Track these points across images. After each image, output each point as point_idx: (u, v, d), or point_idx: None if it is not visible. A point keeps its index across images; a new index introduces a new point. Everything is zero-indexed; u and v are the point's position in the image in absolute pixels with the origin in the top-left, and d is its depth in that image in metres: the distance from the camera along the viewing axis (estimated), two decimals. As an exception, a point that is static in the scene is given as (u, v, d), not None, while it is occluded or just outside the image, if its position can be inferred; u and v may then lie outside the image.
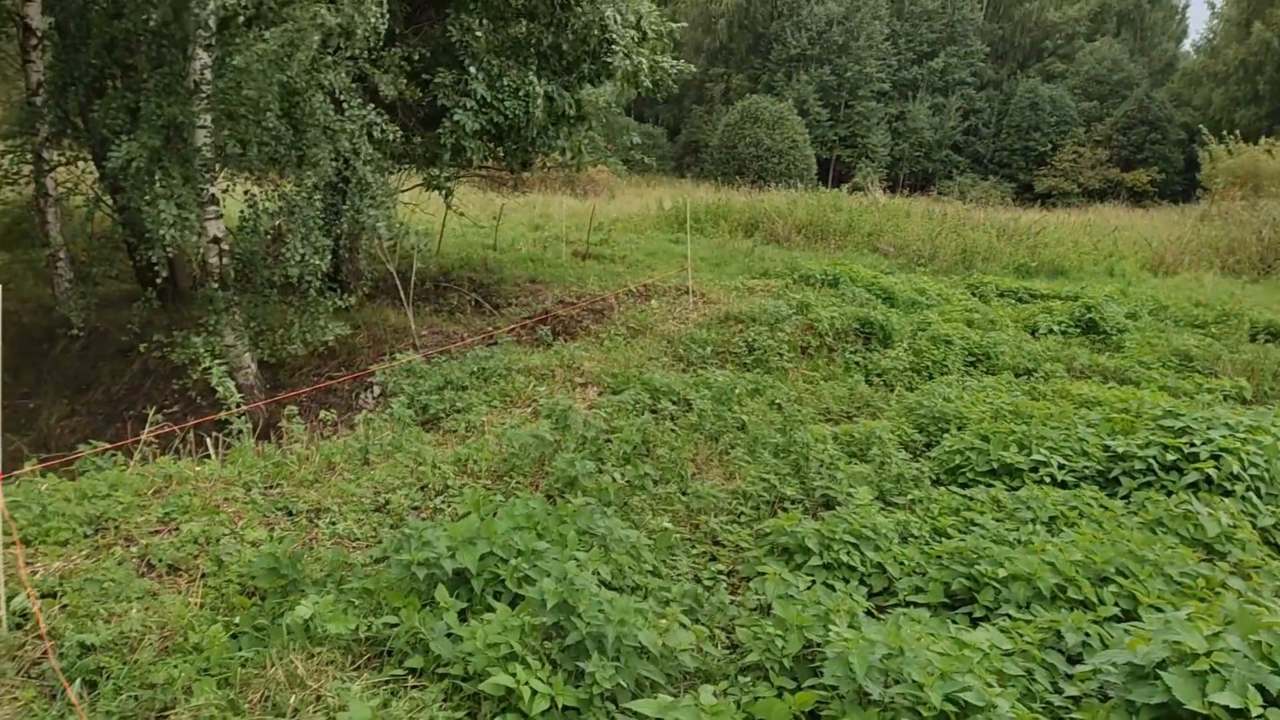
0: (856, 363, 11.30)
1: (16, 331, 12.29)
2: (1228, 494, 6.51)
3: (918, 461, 7.84)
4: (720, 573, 5.63)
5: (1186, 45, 65.95)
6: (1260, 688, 3.20)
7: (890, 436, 8.04)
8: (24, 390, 11.68)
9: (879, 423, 8.53)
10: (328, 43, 9.25)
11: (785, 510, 6.53)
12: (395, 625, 4.11)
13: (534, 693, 3.56)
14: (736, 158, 46.66)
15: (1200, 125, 37.31)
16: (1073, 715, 3.81)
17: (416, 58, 12.08)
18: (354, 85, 9.83)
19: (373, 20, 9.36)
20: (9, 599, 4.19)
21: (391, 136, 10.47)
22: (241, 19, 9.07)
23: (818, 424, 8.79)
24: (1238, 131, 34.88)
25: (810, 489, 7.03)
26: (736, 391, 9.18)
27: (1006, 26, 66.05)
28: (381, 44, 10.90)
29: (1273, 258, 21.29)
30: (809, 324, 11.91)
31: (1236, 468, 6.63)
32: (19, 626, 4.12)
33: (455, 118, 11.94)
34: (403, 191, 15.04)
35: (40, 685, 3.74)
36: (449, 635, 3.99)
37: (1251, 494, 6.54)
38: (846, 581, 5.25)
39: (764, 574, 5.04)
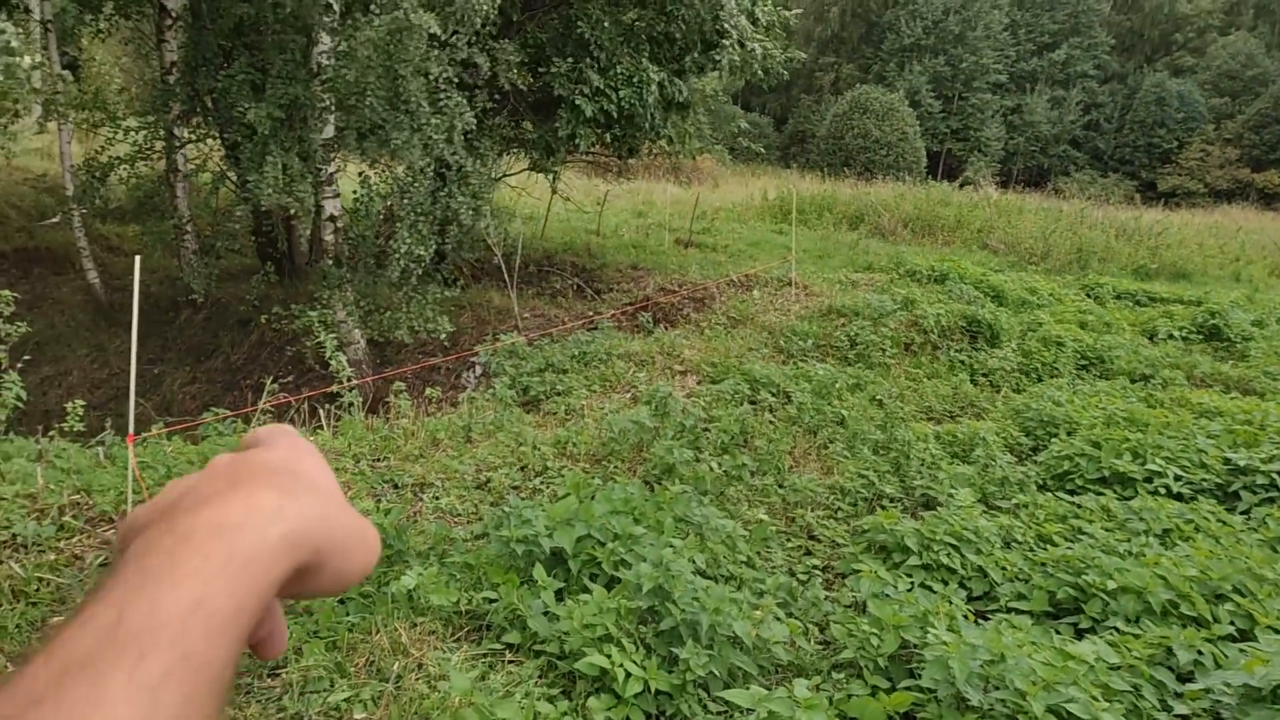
0: (962, 361, 11.04)
1: (144, 300, 12.89)
2: (1360, 515, 6.17)
3: (1023, 465, 7.63)
4: (815, 567, 5.59)
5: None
6: (1390, 720, 3.04)
7: (995, 438, 7.84)
8: (150, 356, 12.27)
9: (984, 424, 8.33)
10: (436, 33, 9.41)
11: (884, 508, 6.44)
12: (494, 600, 4.20)
13: (628, 675, 3.60)
14: (844, 149, 45.95)
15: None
16: (1182, 735, 3.68)
17: (532, 45, 12.23)
18: (452, 76, 9.94)
19: (484, 9, 9.47)
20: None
21: (470, 125, 10.53)
22: (360, 5, 9.33)
23: (919, 422, 8.63)
24: None
25: (910, 488, 6.92)
26: (837, 386, 9.07)
27: (1135, 18, 63.42)
28: (499, 32, 11.07)
29: None
30: (914, 320, 11.68)
31: (1370, 488, 6.28)
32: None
33: (576, 104, 12.05)
34: (510, 175, 15.27)
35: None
36: (546, 613, 4.06)
37: (1386, 516, 6.18)
38: (945, 584, 5.16)
39: (860, 571, 4.98)
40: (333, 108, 9.80)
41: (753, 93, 60.06)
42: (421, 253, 10.14)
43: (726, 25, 13.06)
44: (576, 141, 12.85)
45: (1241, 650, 4.06)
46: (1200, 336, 12.66)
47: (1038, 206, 25.24)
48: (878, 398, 9.11)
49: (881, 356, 10.68)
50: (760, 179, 35.94)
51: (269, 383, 7.25)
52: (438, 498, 5.80)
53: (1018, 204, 25.66)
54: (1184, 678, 4.12)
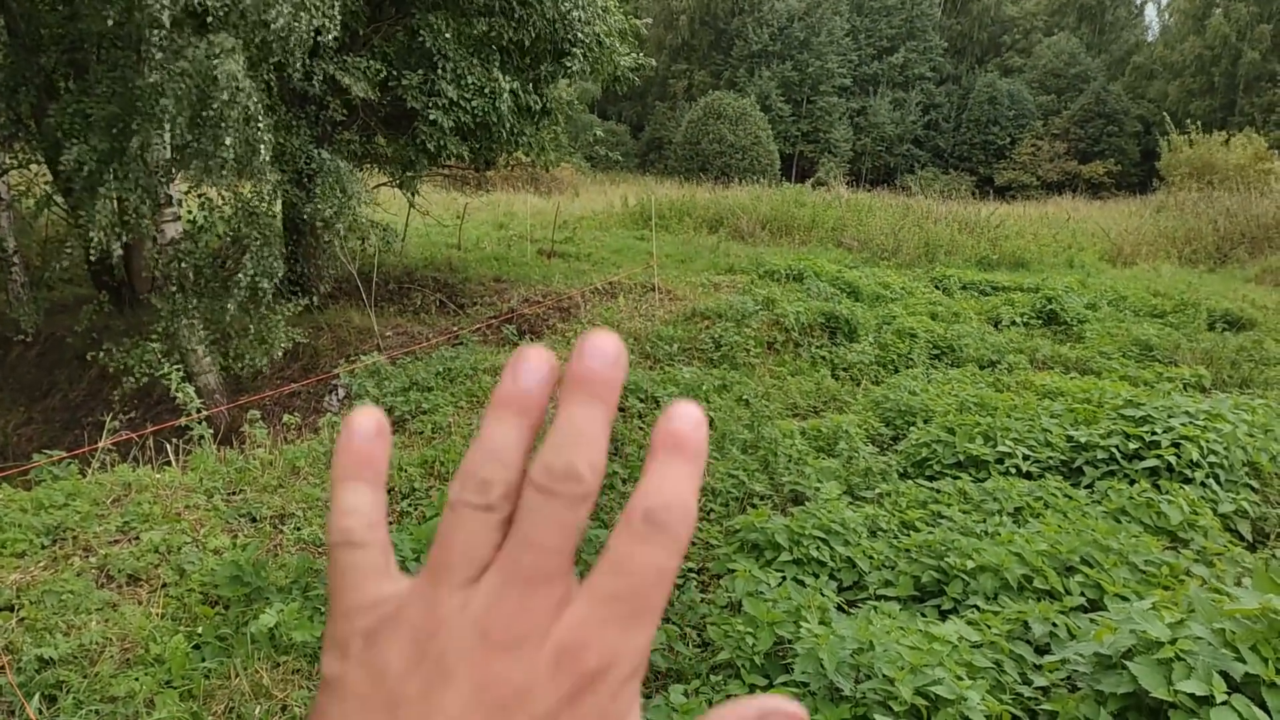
0: (823, 357, 11.34)
1: (-31, 338, 12.04)
2: (1188, 481, 6.60)
3: (885, 455, 7.88)
4: (690, 571, 5.62)
5: (1149, 36, 66.84)
6: (1224, 674, 3.23)
7: (857, 430, 8.08)
8: (-22, 398, 11.43)
9: (846, 417, 8.56)
10: (269, 49, 9.05)
11: (754, 506, 6.53)
12: (362, 632, 4.05)
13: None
14: (700, 154, 46.73)
15: (1160, 115, 37.86)
16: (1042, 706, 3.84)
17: (381, 58, 11.95)
18: (258, 101, 9.55)
19: (304, 26, 9.12)
20: (-37, 614, 4.09)
21: (262, 153, 10.12)
22: (189, 23, 8.90)
23: (785, 419, 8.81)
24: (1196, 123, 35.42)
25: (779, 484, 7.04)
26: (704, 388, 9.18)
27: (964, 21, 66.74)
28: (341, 47, 10.77)
29: (1228, 247, 21.65)
30: (775, 319, 11.94)
31: (1196, 455, 6.72)
32: (-26, 642, 4.02)
33: (431, 118, 11.82)
34: (368, 190, 14.91)
35: (-3, 702, 3.65)
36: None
37: (1211, 481, 6.64)
38: (816, 577, 5.25)
39: (734, 571, 5.03)
40: (167, 128, 9.33)
41: (609, 101, 60.47)
42: (265, 285, 9.77)
43: (579, 34, 13.09)
44: (445, 154, 12.64)
45: (1092, 620, 4.27)
46: (1040, 321, 13.37)
47: (886, 204, 26.21)
48: (744, 397, 9.26)
49: (746, 357, 10.87)
50: (620, 186, 36.17)
51: (108, 420, 6.84)
52: (299, 528, 5.58)
53: (868, 202, 26.60)
54: (1041, 650, 4.30)
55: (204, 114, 8.54)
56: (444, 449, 7.01)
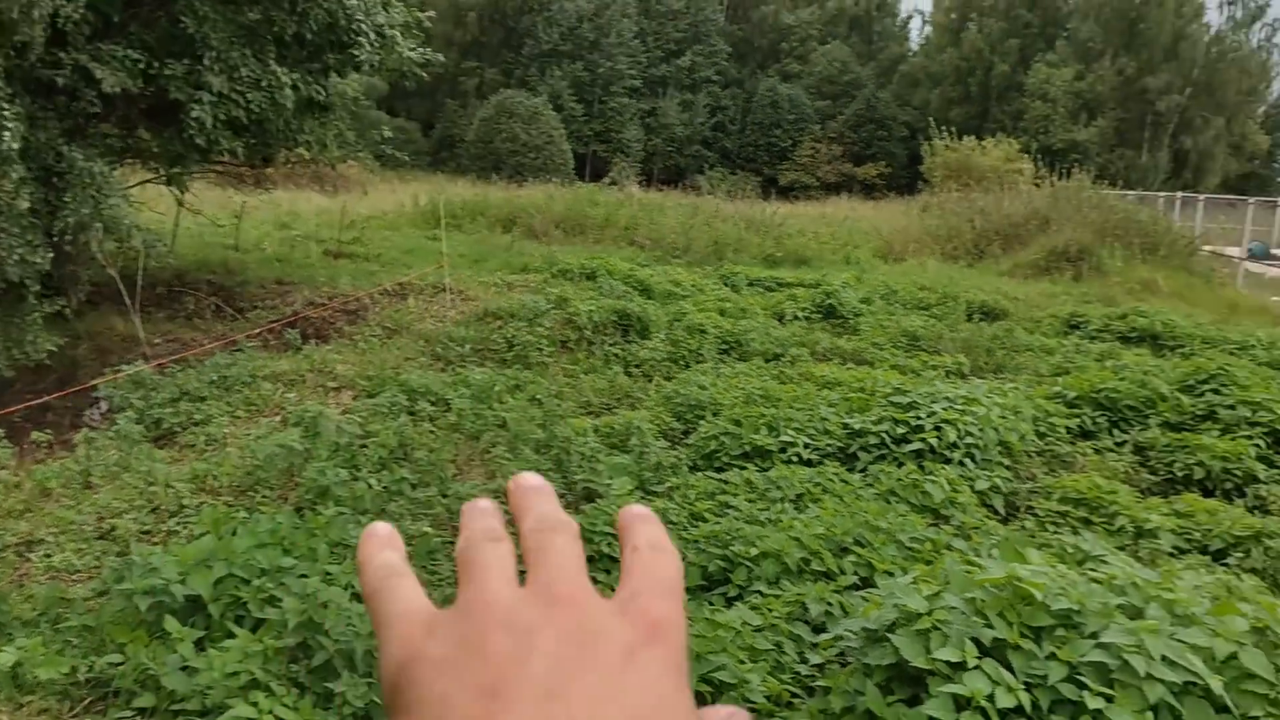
0: (616, 355, 11.47)
1: None
2: (948, 461, 7.11)
3: (676, 449, 8.05)
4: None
5: (913, 46, 71.51)
6: (975, 640, 3.49)
7: (649, 426, 8.22)
8: None
9: (638, 413, 8.70)
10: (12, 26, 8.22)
11: (547, 506, 6.51)
12: (120, 663, 3.75)
13: (279, 721, 3.35)
14: (493, 153, 46.34)
15: (925, 121, 40.64)
16: (818, 682, 4.02)
17: (139, 46, 11.09)
18: (18, 81, 8.70)
19: (39, 15, 8.36)
20: None
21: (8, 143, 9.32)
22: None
23: (579, 417, 8.85)
24: (954, 128, 38.24)
25: (572, 483, 7.06)
26: (496, 389, 9.09)
27: (746, 28, 69.31)
28: (94, 34, 9.95)
29: (984, 244, 23.47)
30: (568, 318, 11.98)
31: (955, 437, 7.25)
32: None
33: (194, 114, 11.05)
34: (128, 189, 13.84)
35: None
36: (184, 668, 3.69)
37: (968, 460, 7.18)
38: (609, 573, 5.30)
39: (525, 572, 5.00)
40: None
41: (397, 98, 58.84)
42: (38, 260, 8.91)
43: (363, 24, 12.64)
44: (217, 150, 11.87)
45: (864, 598, 4.52)
46: (820, 315, 14.06)
47: (677, 203, 26.85)
48: (537, 397, 9.23)
49: (539, 356, 10.85)
50: (411, 185, 35.28)
51: None
52: (49, 555, 5.11)
53: (660, 202, 27.17)
54: (818, 629, 4.52)
55: None
56: (217, 462, 6.60)
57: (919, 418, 7.62)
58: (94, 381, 9.18)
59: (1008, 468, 7.46)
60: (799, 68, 66.30)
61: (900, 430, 7.54)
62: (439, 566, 5.51)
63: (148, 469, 6.40)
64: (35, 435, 6.98)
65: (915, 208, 30.97)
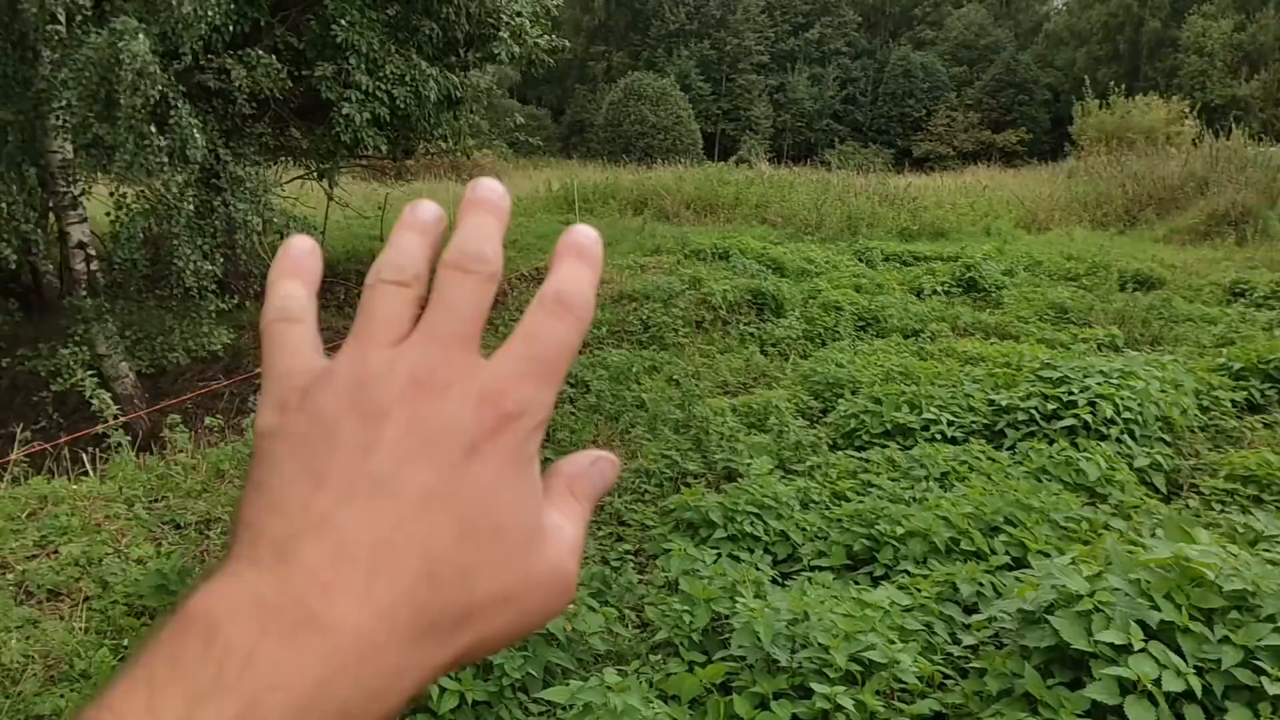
0: (751, 334, 11.44)
1: None
2: (1104, 438, 6.82)
3: (815, 428, 7.98)
4: (627, 552, 5.65)
5: (1058, 4, 68.24)
6: (1141, 623, 3.36)
7: (787, 405, 8.17)
8: (-121, 417, 10.94)
9: (775, 392, 8.66)
10: (178, 36, 8.74)
11: (688, 485, 6.57)
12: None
13: (442, 690, 3.50)
14: (622, 136, 46.65)
15: (1068, 83, 38.67)
16: (971, 664, 3.95)
17: (286, 49, 11.64)
18: (174, 92, 9.25)
19: (209, 15, 8.83)
20: (-128, 642, 3.94)
21: (196, 149, 9.84)
22: (95, 18, 8.55)
23: (716, 397, 8.88)
24: (1121, 86, 36.19)
25: (712, 462, 7.10)
26: (634, 370, 9.20)
27: (877, -5, 67.61)
28: (243, 40, 10.48)
29: (1136, 210, 22.31)
30: (702, 298, 12.00)
31: (1111, 412, 6.95)
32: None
33: (344, 111, 11.55)
34: (281, 185, 14.56)
35: (-88, 731, 3.53)
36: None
37: (1126, 437, 6.87)
38: (751, 552, 5.32)
39: (670, 550, 5.07)
40: (66, 126, 8.98)
41: (529, 86, 59.90)
42: (210, 267, 9.49)
43: (504, 17, 12.94)
44: (363, 146, 12.36)
45: (1017, 578, 4.40)
46: (960, 289, 13.66)
47: (808, 179, 26.46)
48: (674, 377, 9.29)
49: (675, 337, 10.91)
50: (543, 171, 35.91)
51: (19, 431, 6.60)
52: (226, 533, 5.46)
53: (790, 178, 26.83)
54: (970, 610, 4.42)
55: (114, 106, 8.22)
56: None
57: (1071, 393, 7.33)
58: (258, 370, 9.72)
59: (1168, 444, 7.10)
60: (933, 34, 64.28)
61: (1050, 406, 7.27)
62: (584, 546, 5.64)
63: (310, 452, 6.75)
64: (209, 420, 7.46)
65: (1061, 174, 29.63)
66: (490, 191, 0.46)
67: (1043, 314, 11.94)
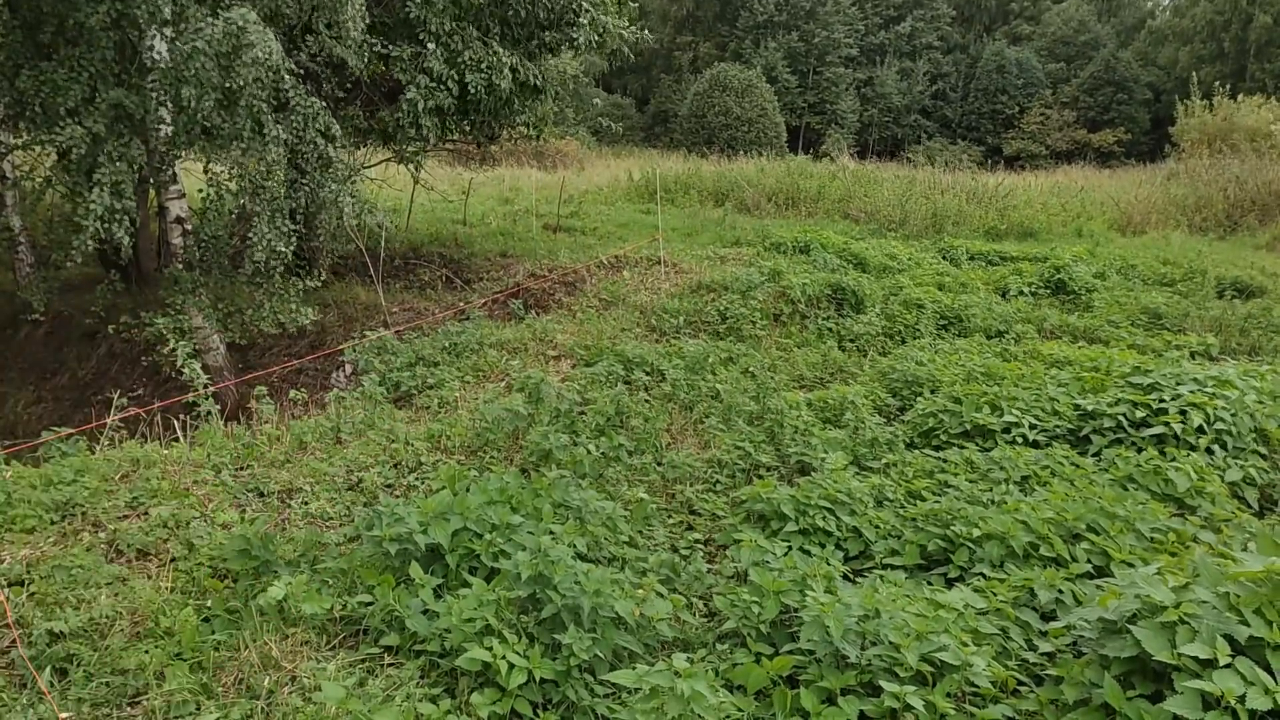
0: (829, 329, 11.31)
1: (-23, 318, 12.08)
2: (1193, 448, 6.58)
3: (891, 425, 7.87)
4: (697, 541, 5.64)
5: (1163, 1, 65.96)
6: (1228, 637, 3.23)
7: (864, 401, 8.06)
8: (-12, 378, 11.49)
9: (852, 388, 8.55)
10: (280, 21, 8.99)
11: (760, 478, 6.53)
12: (370, 604, 4.07)
13: (511, 666, 3.54)
14: (706, 127, 46.48)
15: (1171, 82, 37.26)
16: (1047, 671, 3.85)
17: (377, 28, 11.83)
18: (297, 71, 9.51)
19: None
20: (-25, 589, 4.13)
21: (330, 129, 10.11)
22: (208, 6, 8.82)
23: (791, 391, 8.80)
24: (1226, 86, 34.80)
25: (785, 456, 7.04)
26: (710, 360, 9.17)
27: (973, -11, 66.06)
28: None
29: (1238, 215, 21.47)
30: (781, 291, 11.90)
31: (1203, 422, 6.70)
32: (-14, 616, 4.06)
33: (409, 95, 11.71)
34: (368, 167, 14.85)
35: (9, 674, 3.69)
36: (424, 612, 3.96)
37: (1217, 447, 6.62)
38: (823, 547, 5.26)
39: (740, 541, 5.04)
40: (169, 106, 9.27)
41: (614, 74, 60.07)
42: (282, 249, 9.74)
43: (584, 3, 12.96)
44: (422, 130, 12.48)
45: (1099, 587, 4.27)
46: (1048, 291, 13.30)
47: (893, 175, 26.04)
48: (750, 369, 9.24)
49: (752, 329, 10.85)
50: (625, 160, 36.01)
51: (116, 397, 6.86)
52: (306, 503, 5.60)
53: (874, 173, 26.44)
54: (1047, 616, 4.31)
55: (229, 90, 8.50)
56: (449, 423, 7.02)
57: (1161, 400, 7.10)
58: (341, 346, 9.96)
59: (1264, 457, 6.82)
60: (1029, 29, 62.63)
61: (1139, 413, 7.04)
62: (653, 532, 5.65)
63: (389, 428, 6.89)
64: (293, 394, 7.65)
65: (1159, 176, 28.63)
66: None
67: (1134, 319, 11.57)
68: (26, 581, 4.31)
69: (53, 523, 4.98)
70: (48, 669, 3.70)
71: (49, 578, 4.26)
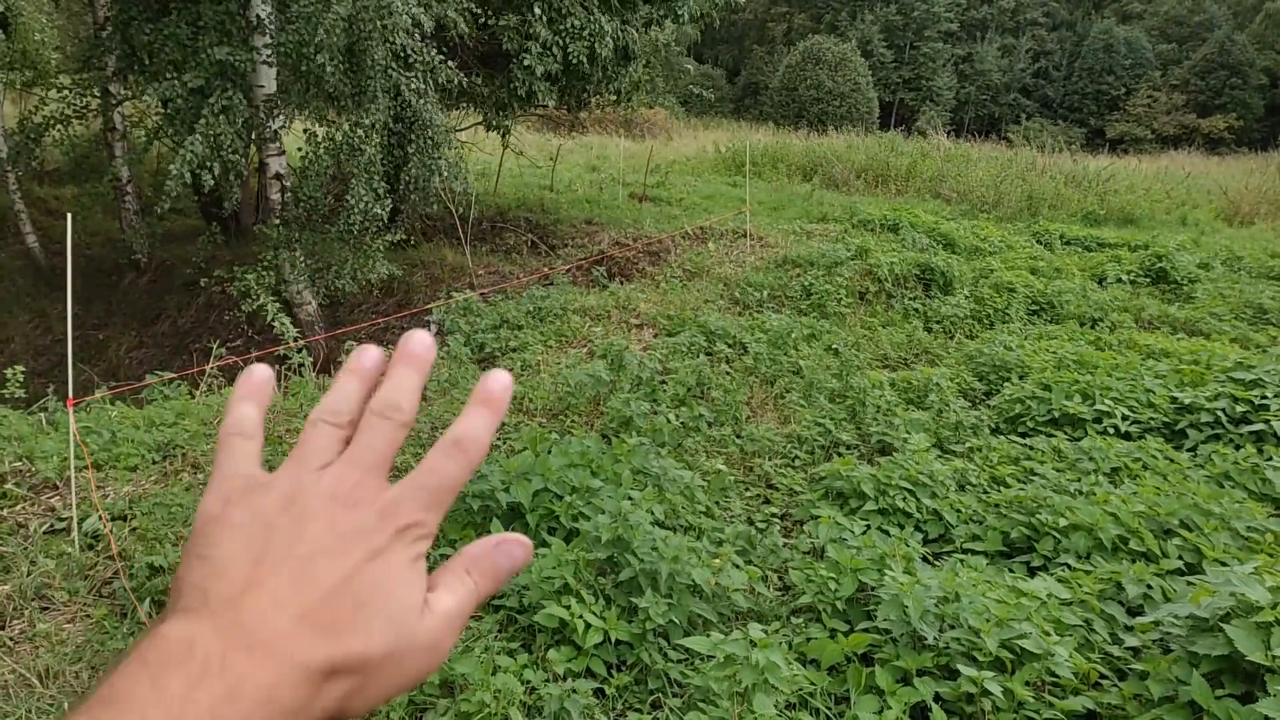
0: (916, 309, 11.11)
1: (86, 263, 12.60)
2: (1298, 449, 6.32)
3: (977, 410, 7.71)
4: (774, 515, 5.62)
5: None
6: (1330, 644, 3.12)
7: (949, 384, 7.92)
8: (94, 321, 11.99)
9: (938, 370, 8.40)
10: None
11: (840, 455, 6.48)
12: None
13: (588, 626, 3.59)
14: (797, 100, 45.82)
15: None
16: (1132, 666, 3.76)
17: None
18: (416, 28, 9.67)
19: None
20: (81, 520, 4.33)
21: (452, 80, 10.33)
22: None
23: (875, 370, 8.69)
24: None
25: (866, 434, 6.97)
26: (793, 336, 9.09)
27: (1082, -36, 63.66)
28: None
29: (1358, 208, 20.45)
30: (868, 269, 11.72)
31: (1309, 422, 6.43)
32: (91, 547, 4.26)
33: (525, 62, 11.77)
34: (459, 130, 15.01)
35: (111, 604, 3.87)
36: (504, 568, 4.03)
37: (1324, 449, 6.34)
38: (901, 528, 5.21)
39: (818, 517, 5.02)
40: (273, 62, 9.49)
41: (706, 44, 59.55)
42: (379, 211, 9.93)
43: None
44: (536, 98, 12.57)
45: (1190, 584, 4.15)
46: (1148, 280, 12.85)
47: (989, 155, 25.36)
48: (833, 346, 9.14)
49: (836, 306, 10.72)
50: (713, 132, 35.74)
51: (215, 346, 7.10)
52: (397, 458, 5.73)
53: (967, 153, 25.77)
54: (1134, 611, 4.20)
55: (362, 58, 8.74)
56: (532, 386, 7.11)
57: (1264, 396, 6.83)
58: (428, 305, 10.13)
59: (1373, 462, 6.52)
60: (1141, 7, 60.15)
61: (1240, 409, 6.78)
62: (730, 504, 5.66)
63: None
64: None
65: (1272, 165, 27.36)
66: (418, 346, 0.56)
67: (1239, 312, 11.11)
68: (129, 516, 4.51)
69: (154, 462, 5.19)
70: (147, 600, 3.87)
71: (150, 514, 4.45)
